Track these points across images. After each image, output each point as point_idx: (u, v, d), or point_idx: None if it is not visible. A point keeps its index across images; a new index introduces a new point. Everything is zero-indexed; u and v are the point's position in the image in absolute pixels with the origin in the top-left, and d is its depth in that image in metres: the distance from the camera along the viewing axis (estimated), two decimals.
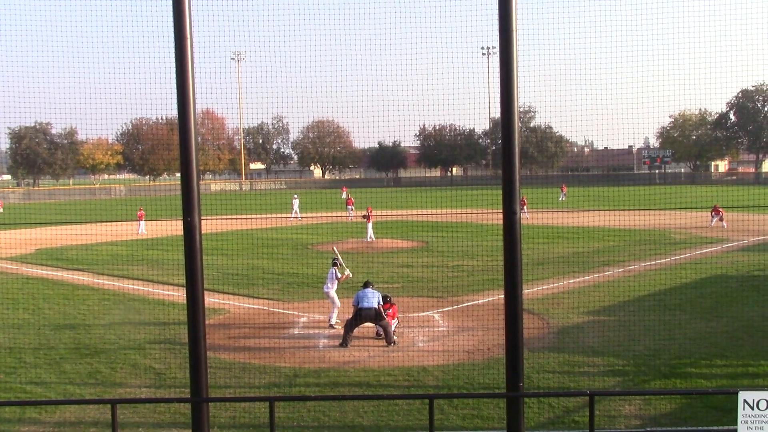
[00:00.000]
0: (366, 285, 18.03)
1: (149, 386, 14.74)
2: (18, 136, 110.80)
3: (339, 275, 19.60)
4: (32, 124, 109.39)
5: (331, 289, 19.44)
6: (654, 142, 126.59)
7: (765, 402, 8.60)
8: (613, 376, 14.73)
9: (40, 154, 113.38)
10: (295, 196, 58.11)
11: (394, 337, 17.54)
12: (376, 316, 17.49)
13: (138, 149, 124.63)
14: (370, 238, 37.27)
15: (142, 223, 46.19)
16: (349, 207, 56.84)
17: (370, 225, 37.60)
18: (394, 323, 17.97)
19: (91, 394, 14.29)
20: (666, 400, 13.12)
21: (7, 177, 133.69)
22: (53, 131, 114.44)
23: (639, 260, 29.52)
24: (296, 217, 53.63)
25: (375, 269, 27.64)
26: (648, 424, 11.98)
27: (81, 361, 16.35)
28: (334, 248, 21.41)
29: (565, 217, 44.53)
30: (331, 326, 19.13)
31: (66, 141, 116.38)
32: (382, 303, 17.60)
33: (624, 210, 39.91)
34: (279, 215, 52.84)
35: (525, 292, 10.72)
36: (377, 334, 17.96)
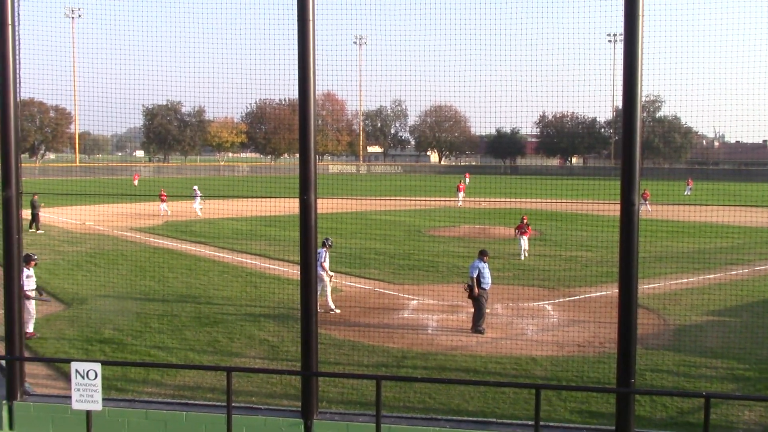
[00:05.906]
0: (481, 255, 17.51)
1: (263, 357, 15.31)
2: (151, 114, 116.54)
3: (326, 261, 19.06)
4: (164, 103, 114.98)
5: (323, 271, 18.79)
6: None
7: None
8: (733, 381, 14.07)
9: (170, 132, 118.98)
10: (195, 186, 48.28)
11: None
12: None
13: (261, 129, 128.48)
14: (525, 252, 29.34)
15: (163, 205, 44.27)
16: (460, 193, 56.53)
17: (526, 239, 29.51)
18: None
19: (209, 362, 15.00)
20: None
21: (141, 153, 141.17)
22: (183, 110, 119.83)
23: None
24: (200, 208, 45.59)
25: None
26: None
27: (201, 330, 17.17)
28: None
29: (690, 212, 42.62)
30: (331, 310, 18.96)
31: (195, 120, 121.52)
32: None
33: (754, 207, 37.76)
34: (394, 198, 53.29)
35: (642, 287, 10.39)
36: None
